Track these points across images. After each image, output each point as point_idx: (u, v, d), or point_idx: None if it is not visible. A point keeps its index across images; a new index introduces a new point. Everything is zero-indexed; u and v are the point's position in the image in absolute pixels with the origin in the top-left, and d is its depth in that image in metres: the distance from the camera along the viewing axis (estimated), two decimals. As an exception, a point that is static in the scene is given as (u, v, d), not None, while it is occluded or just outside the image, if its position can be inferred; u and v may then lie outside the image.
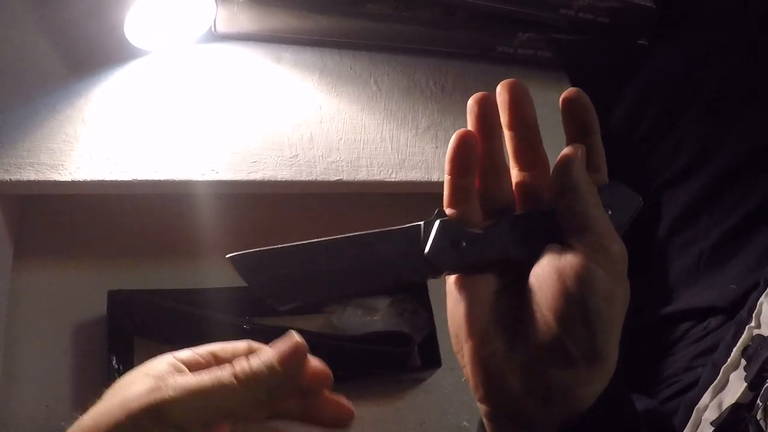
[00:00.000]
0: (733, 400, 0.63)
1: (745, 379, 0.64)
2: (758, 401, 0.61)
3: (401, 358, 0.71)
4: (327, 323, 0.72)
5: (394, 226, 0.42)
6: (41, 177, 0.61)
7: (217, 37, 0.72)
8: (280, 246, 0.39)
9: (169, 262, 0.72)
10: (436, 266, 0.40)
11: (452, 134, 0.72)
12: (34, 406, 0.63)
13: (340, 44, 0.75)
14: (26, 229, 0.69)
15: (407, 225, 0.41)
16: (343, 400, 0.43)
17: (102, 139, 0.64)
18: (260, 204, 0.74)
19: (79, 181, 0.62)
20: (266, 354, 0.38)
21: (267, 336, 0.65)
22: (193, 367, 0.39)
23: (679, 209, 0.78)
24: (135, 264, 0.71)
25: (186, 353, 0.40)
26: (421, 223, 0.41)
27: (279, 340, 0.39)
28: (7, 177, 0.60)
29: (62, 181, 0.62)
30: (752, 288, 0.69)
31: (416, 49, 0.77)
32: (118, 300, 0.66)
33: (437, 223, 0.40)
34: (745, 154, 0.76)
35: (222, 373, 0.36)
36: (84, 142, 0.64)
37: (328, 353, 0.67)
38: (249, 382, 0.36)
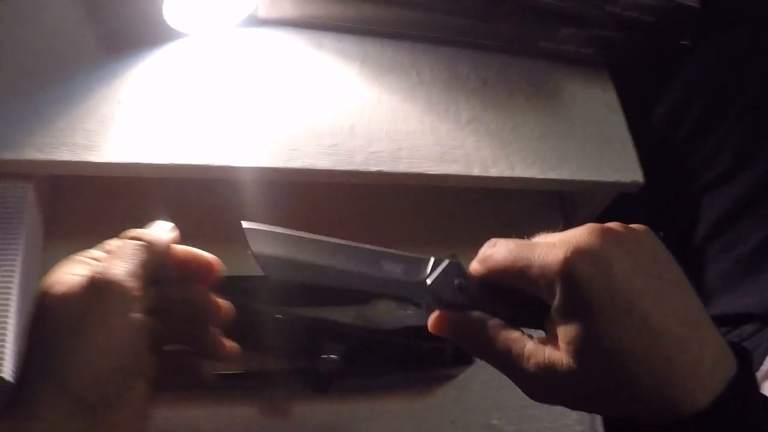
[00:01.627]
0: (766, 410, 0.62)
1: (778, 388, 0.63)
2: (793, 411, 0.61)
3: (433, 353, 0.70)
4: (359, 315, 0.70)
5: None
6: (75, 158, 0.60)
7: (258, 21, 0.70)
8: (297, 233, 0.46)
9: (202, 248, 0.70)
10: (437, 296, 0.44)
11: (493, 128, 0.72)
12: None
13: (382, 33, 0.73)
14: (58, 210, 0.68)
15: (418, 255, 0.46)
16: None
17: (138, 121, 0.63)
18: (299, 192, 0.73)
19: (114, 163, 0.61)
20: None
21: (299, 325, 0.64)
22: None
23: (719, 212, 0.77)
24: None
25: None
26: (432, 258, 0.45)
27: None
28: (40, 156, 0.59)
29: (97, 163, 0.60)
30: (791, 296, 0.69)
31: (458, 41, 0.76)
32: (150, 286, 0.64)
33: (446, 261, 0.45)
34: (789, 157, 0.75)
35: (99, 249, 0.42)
36: (120, 124, 0.62)
37: (360, 345, 0.67)
38: (125, 246, 0.42)
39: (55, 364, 0.36)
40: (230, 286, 0.66)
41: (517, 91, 0.76)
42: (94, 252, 0.43)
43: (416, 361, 0.70)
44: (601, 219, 0.83)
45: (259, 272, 0.68)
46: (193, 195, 0.72)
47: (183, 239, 0.73)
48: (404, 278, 0.45)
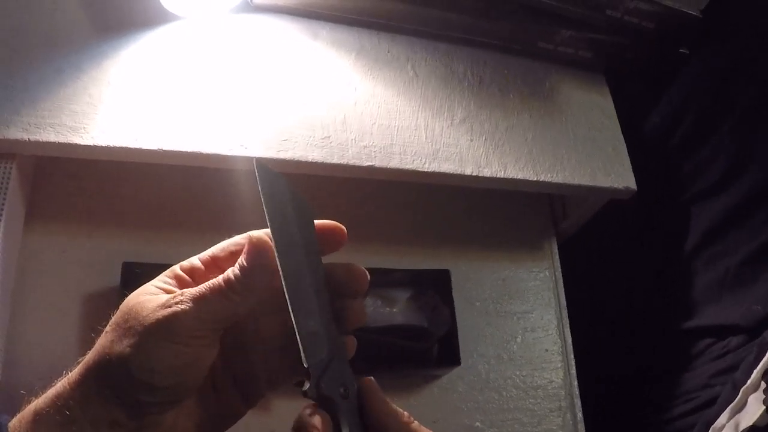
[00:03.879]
0: (750, 423, 0.62)
1: (764, 402, 0.63)
2: (776, 426, 0.60)
3: (418, 353, 0.69)
4: (344, 312, 0.70)
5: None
6: (61, 139, 0.58)
7: (253, 7, 0.69)
8: None
9: (187, 237, 0.69)
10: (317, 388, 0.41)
11: (487, 128, 0.71)
12: (37, 378, 0.60)
13: (378, 25, 0.72)
14: (41, 191, 0.66)
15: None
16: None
17: (127, 103, 0.61)
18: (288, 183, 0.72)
19: (100, 146, 0.59)
20: (240, 259, 0.41)
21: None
22: (196, 273, 0.43)
23: (709, 223, 0.77)
24: (152, 237, 0.68)
25: (187, 262, 0.43)
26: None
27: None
28: (25, 136, 0.58)
29: (83, 145, 0.59)
30: (778, 310, 0.68)
31: (456, 38, 0.75)
32: (132, 272, 0.63)
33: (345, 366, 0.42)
34: (782, 171, 0.74)
35: (214, 281, 0.40)
36: (108, 106, 0.61)
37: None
38: (232, 283, 0.40)
39: (110, 369, 0.38)
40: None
41: (513, 91, 0.75)
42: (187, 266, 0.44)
43: (401, 361, 0.69)
44: (591, 225, 0.83)
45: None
46: (181, 182, 0.71)
47: (168, 228, 0.72)
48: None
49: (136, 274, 0.63)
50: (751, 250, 0.73)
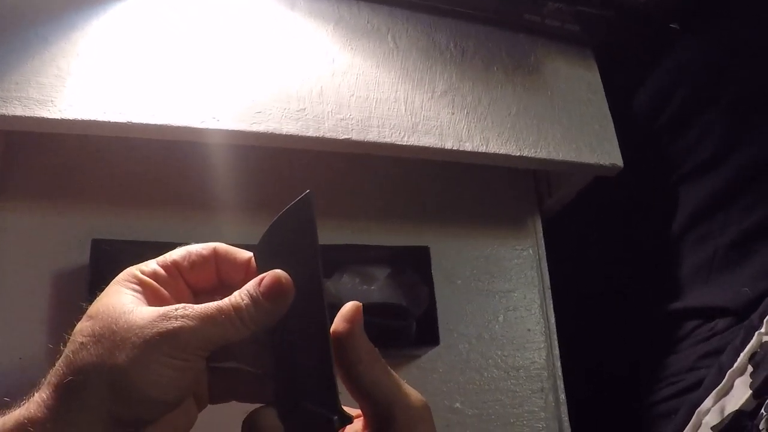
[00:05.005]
0: (737, 407, 0.61)
1: (750, 386, 0.62)
2: (762, 410, 0.59)
3: (397, 332, 0.67)
4: (322, 290, 0.68)
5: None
6: (28, 113, 0.57)
7: (227, -24, 0.67)
8: None
9: (159, 213, 0.68)
10: None
11: (470, 101, 0.69)
12: (7, 357, 0.59)
13: (358, -5, 0.70)
14: (9, 167, 0.65)
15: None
16: None
17: (96, 76, 0.60)
18: (262, 157, 0.70)
19: (68, 119, 0.58)
20: (253, 288, 0.40)
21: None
22: (160, 279, 0.41)
23: (697, 204, 0.75)
24: (123, 213, 0.67)
25: (146, 266, 0.42)
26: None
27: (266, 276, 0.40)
28: (-9, 110, 0.56)
29: (51, 119, 0.57)
30: (766, 293, 0.67)
31: (439, 8, 0.73)
32: (102, 249, 0.62)
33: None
34: (769, 153, 0.72)
35: (224, 305, 0.39)
36: (77, 78, 0.59)
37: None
38: (242, 313, 0.39)
39: (100, 383, 0.37)
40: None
41: (497, 64, 0.73)
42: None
43: (379, 340, 0.67)
44: (578, 204, 0.82)
45: (213, 239, 0.66)
46: (153, 156, 0.69)
47: (139, 205, 0.70)
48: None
49: (106, 252, 0.61)
50: (740, 231, 0.72)
